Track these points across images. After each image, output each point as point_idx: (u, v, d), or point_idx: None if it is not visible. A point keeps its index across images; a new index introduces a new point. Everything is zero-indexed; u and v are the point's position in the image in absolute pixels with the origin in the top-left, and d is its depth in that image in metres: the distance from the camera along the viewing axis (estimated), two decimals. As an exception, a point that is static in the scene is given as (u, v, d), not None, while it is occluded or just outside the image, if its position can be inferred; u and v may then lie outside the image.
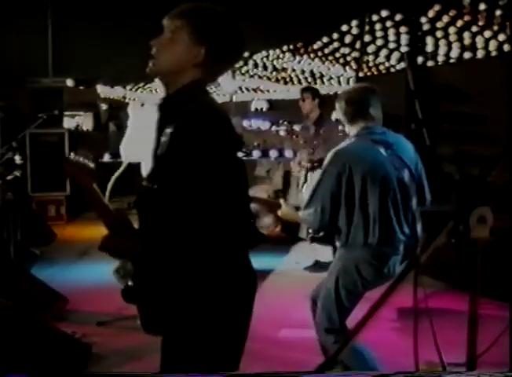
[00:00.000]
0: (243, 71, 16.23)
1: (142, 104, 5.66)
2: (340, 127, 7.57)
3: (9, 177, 7.19)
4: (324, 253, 7.98)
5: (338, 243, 4.36)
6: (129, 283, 2.64)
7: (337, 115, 4.49)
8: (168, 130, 2.48)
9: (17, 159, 7.54)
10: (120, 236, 2.58)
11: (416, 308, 2.89)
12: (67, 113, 11.81)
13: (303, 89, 8.44)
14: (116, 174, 5.63)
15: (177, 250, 2.45)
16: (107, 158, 11.79)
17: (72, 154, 2.71)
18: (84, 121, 13.02)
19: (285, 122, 16.36)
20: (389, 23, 12.60)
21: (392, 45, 12.68)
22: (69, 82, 11.67)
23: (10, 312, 4.91)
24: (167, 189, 2.48)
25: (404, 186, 4.25)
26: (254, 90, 18.15)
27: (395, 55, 12.66)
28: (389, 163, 4.23)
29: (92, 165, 2.67)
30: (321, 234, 4.46)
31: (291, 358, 5.21)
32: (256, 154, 11.52)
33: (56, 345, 4.94)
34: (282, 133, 15.29)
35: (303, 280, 7.67)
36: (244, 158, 11.57)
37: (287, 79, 17.34)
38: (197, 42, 2.56)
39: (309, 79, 17.08)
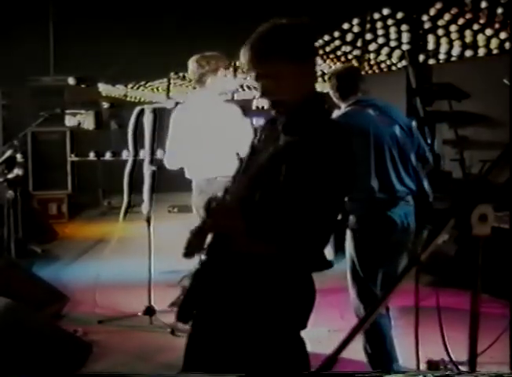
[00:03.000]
0: (243, 70, 16.23)
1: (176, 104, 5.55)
2: None
3: (11, 176, 7.19)
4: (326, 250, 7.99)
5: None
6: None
7: (331, 94, 4.54)
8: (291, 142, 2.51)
9: (18, 157, 7.55)
10: (235, 208, 2.54)
11: (417, 306, 2.88)
12: (68, 111, 11.80)
13: None
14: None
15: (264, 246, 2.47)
16: (108, 156, 11.82)
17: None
18: (85, 119, 13.00)
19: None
20: (390, 22, 12.60)
21: (393, 44, 12.68)
22: (70, 81, 11.68)
23: (10, 310, 4.91)
24: (278, 196, 2.49)
25: (397, 141, 4.36)
26: (255, 88, 18.19)
27: (396, 53, 12.66)
28: (378, 121, 4.34)
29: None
30: None
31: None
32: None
33: (56, 343, 4.94)
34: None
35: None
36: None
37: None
38: None
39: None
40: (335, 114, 4.39)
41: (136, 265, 6.46)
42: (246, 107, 18.02)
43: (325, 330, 5.63)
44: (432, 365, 4.57)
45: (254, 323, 2.55)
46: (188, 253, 2.65)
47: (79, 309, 6.22)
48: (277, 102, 2.64)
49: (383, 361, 4.35)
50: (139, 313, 5.80)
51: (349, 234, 4.39)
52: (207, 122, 5.39)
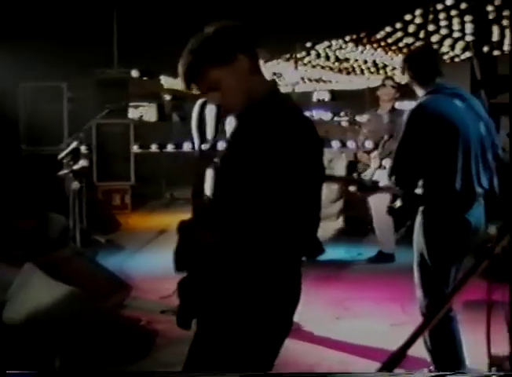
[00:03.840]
0: (305, 62, 16.19)
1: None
2: None
3: (76, 167, 7.31)
4: (388, 244, 7.95)
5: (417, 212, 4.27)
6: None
7: (407, 79, 4.39)
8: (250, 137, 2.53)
9: (83, 149, 7.67)
10: (202, 223, 2.57)
11: (489, 300, 2.85)
12: (132, 104, 11.95)
13: (387, 77, 8.70)
14: None
15: (242, 246, 2.47)
16: (170, 148, 11.94)
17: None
18: (148, 112, 13.16)
19: (347, 113, 16.29)
20: (453, 12, 12.43)
21: (456, 35, 12.52)
22: (134, 73, 11.82)
23: (76, 298, 5.00)
24: (244, 189, 2.50)
25: (481, 138, 4.19)
26: (316, 81, 18.11)
27: (459, 44, 12.50)
28: (466, 115, 4.16)
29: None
30: (399, 205, 4.42)
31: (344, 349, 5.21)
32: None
33: (120, 333, 5.02)
34: (344, 123, 15.24)
35: (364, 270, 7.66)
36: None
37: (350, 70, 17.25)
38: None
39: (372, 69, 16.98)
40: (418, 101, 4.30)
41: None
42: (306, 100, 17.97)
43: (387, 324, 5.62)
44: (495, 360, 4.51)
45: (246, 318, 2.55)
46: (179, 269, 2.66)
47: (143, 298, 6.30)
48: (230, 108, 2.65)
49: (451, 361, 4.22)
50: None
51: (419, 230, 4.25)
52: None
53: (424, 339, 4.27)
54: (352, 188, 4.53)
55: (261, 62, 5.87)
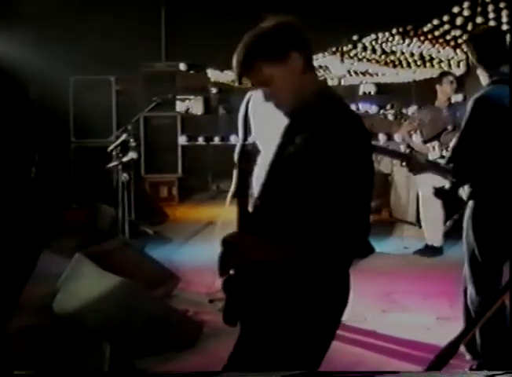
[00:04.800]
0: (351, 55, 16.12)
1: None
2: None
3: (125, 159, 7.40)
4: (435, 237, 7.91)
5: (464, 197, 4.20)
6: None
7: (473, 61, 4.23)
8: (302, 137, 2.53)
9: (132, 141, 7.76)
10: (249, 237, 2.60)
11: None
12: (179, 97, 12.03)
13: (445, 72, 8.76)
14: None
15: (293, 246, 2.48)
16: (216, 140, 12.00)
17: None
18: (194, 105, 13.21)
19: (393, 106, 16.18)
20: (502, 4, 12.28)
21: (505, 27, 12.34)
22: (182, 67, 11.89)
23: (126, 288, 5.08)
24: (294, 191, 2.51)
25: None
26: (363, 74, 18.00)
27: (509, 37, 12.33)
28: None
29: None
30: (446, 187, 4.35)
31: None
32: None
33: (169, 322, 5.08)
34: (390, 117, 15.14)
35: (411, 263, 7.63)
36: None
37: (396, 63, 17.11)
38: None
39: (419, 62, 16.82)
40: (482, 90, 4.14)
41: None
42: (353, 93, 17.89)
43: (433, 318, 5.61)
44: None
45: (294, 319, 2.55)
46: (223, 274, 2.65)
47: (190, 289, 6.36)
48: (281, 105, 2.66)
49: (502, 360, 4.09)
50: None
51: (469, 225, 4.17)
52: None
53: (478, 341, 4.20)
54: (403, 164, 4.37)
55: None
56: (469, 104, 4.11)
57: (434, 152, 7.68)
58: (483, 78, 4.21)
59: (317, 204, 2.43)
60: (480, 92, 4.13)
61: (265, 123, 5.71)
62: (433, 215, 7.71)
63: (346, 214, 2.43)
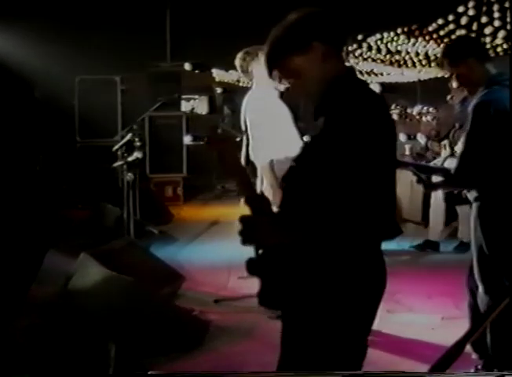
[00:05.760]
0: (356, 54, 16.12)
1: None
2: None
3: (130, 159, 7.40)
4: (436, 232, 7.91)
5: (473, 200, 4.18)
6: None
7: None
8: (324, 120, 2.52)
9: (137, 141, 7.76)
10: (260, 218, 2.58)
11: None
12: (184, 96, 12.05)
13: None
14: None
15: (315, 234, 2.47)
16: (221, 140, 12.00)
17: (219, 126, 2.80)
18: (199, 104, 13.24)
19: (398, 106, 16.18)
20: (507, 4, 12.26)
21: (509, 26, 12.32)
22: (187, 66, 11.91)
23: (132, 288, 5.08)
24: (318, 174, 2.50)
25: None
26: (368, 73, 18.00)
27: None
28: None
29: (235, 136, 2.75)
30: (455, 192, 4.35)
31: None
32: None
33: (175, 322, 5.08)
34: (395, 116, 15.13)
35: (416, 263, 7.63)
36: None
37: (401, 62, 17.11)
38: None
39: (424, 62, 16.80)
40: (483, 93, 4.16)
41: (249, 247, 6.54)
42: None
43: (438, 318, 5.60)
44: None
45: (330, 307, 2.54)
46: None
47: (195, 289, 6.37)
48: (309, 93, 2.68)
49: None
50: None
51: (476, 224, 4.15)
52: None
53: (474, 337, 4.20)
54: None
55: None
56: (470, 110, 4.11)
57: (446, 151, 7.70)
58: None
59: (342, 186, 2.42)
60: (479, 97, 4.13)
61: (262, 117, 5.78)
62: (439, 210, 7.76)
63: (371, 194, 2.43)
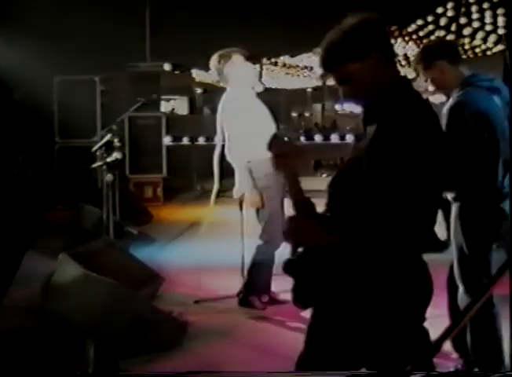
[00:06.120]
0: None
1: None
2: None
3: (110, 159, 7.37)
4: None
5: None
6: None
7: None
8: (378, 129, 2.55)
9: (116, 141, 7.73)
10: (307, 219, 2.63)
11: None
12: (163, 97, 12.03)
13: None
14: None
15: (358, 240, 2.49)
16: (201, 141, 12.02)
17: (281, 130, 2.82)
18: (179, 105, 13.22)
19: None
20: (485, 5, 12.35)
21: (489, 28, 12.42)
22: (166, 67, 11.90)
23: (111, 289, 5.07)
24: (368, 180, 2.51)
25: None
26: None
27: (492, 37, 12.41)
28: (504, 115, 4.06)
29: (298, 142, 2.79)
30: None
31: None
32: (349, 138, 11.52)
33: (154, 323, 5.07)
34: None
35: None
36: (338, 141, 11.60)
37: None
38: None
39: (403, 62, 16.87)
40: (456, 95, 4.19)
41: (229, 247, 6.55)
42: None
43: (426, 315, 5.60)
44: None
45: (370, 313, 2.55)
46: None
47: (174, 290, 6.35)
48: (360, 99, 2.72)
49: (492, 360, 4.09)
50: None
51: (456, 225, 4.15)
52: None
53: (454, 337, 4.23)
54: None
55: (241, 59, 6.04)
56: (445, 112, 4.14)
57: None
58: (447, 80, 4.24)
59: (387, 195, 2.44)
60: (454, 99, 4.15)
61: (238, 118, 5.81)
62: None
63: (420, 205, 2.46)
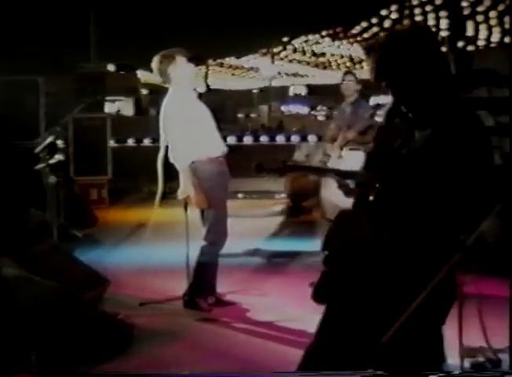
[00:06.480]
0: (281, 56, 16.23)
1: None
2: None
3: (52, 161, 7.28)
4: None
5: None
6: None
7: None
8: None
9: (59, 143, 7.63)
10: (358, 214, 2.77)
11: (462, 294, 2.89)
12: (108, 98, 11.93)
13: (347, 72, 8.75)
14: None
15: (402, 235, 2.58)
16: (147, 142, 11.95)
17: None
18: (125, 106, 13.13)
19: (324, 107, 16.38)
20: (428, 8, 12.54)
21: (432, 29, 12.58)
22: (111, 68, 11.80)
23: (55, 293, 5.00)
24: (419, 180, 2.62)
25: None
26: (293, 75, 18.14)
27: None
28: None
29: None
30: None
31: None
32: (295, 139, 11.57)
33: (99, 326, 5.02)
34: (321, 117, 15.31)
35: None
36: (284, 143, 11.64)
37: (326, 64, 17.31)
38: None
39: (348, 64, 17.03)
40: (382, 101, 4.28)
41: (174, 249, 6.53)
42: (284, 94, 17.97)
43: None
44: (470, 352, 4.56)
45: (393, 312, 2.52)
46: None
47: (120, 292, 6.30)
48: (408, 104, 2.80)
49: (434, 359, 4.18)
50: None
51: None
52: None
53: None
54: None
55: (184, 60, 6.05)
56: (384, 113, 4.19)
57: (335, 151, 7.89)
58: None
59: (434, 196, 2.54)
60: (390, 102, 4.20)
61: (180, 119, 5.80)
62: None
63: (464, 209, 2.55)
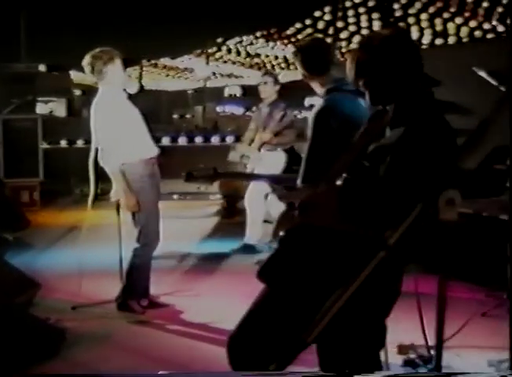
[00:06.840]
0: (216, 57, 16.22)
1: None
2: (292, 111, 8.42)
3: (-19, 163, 7.15)
4: (254, 235, 7.95)
5: None
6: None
7: (302, 69, 4.35)
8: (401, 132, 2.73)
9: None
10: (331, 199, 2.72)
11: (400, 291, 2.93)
12: (40, 99, 11.74)
13: (266, 72, 8.85)
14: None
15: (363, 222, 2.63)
16: (80, 143, 11.80)
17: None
18: (57, 107, 12.94)
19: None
20: (361, 10, 12.69)
21: (364, 31, 12.75)
22: (42, 68, 11.63)
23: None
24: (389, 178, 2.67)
25: None
26: (228, 76, 18.16)
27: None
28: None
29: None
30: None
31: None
32: (230, 139, 11.58)
33: (29, 331, 4.94)
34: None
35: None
36: (218, 143, 11.63)
37: (261, 65, 17.36)
38: None
39: (283, 65, 17.11)
40: (322, 100, 4.26)
41: (107, 251, 6.46)
42: (219, 95, 17.98)
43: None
44: (402, 349, 4.63)
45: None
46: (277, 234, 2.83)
47: (52, 296, 6.21)
48: (384, 103, 2.93)
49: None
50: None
51: None
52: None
53: None
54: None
55: (118, 62, 6.00)
56: (311, 118, 4.19)
57: (254, 151, 7.96)
58: (316, 87, 4.33)
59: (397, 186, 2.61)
60: (321, 104, 4.22)
61: (109, 121, 5.74)
62: (258, 212, 7.88)
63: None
